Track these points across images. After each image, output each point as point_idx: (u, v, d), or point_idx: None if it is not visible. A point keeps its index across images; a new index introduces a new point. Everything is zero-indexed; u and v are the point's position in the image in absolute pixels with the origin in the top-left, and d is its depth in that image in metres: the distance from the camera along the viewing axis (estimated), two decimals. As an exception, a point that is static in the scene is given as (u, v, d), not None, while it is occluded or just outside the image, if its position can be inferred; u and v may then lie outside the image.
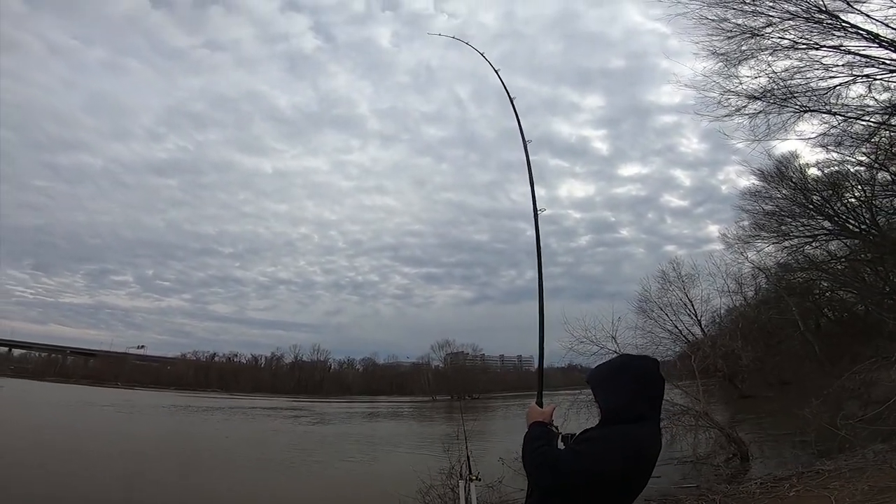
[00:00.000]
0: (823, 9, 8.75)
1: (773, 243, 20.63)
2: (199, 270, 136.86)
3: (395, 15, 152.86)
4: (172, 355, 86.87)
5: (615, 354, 12.23)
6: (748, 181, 21.50)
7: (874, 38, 8.48)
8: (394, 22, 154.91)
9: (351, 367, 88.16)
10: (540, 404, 2.28)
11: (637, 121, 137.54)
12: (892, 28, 8.28)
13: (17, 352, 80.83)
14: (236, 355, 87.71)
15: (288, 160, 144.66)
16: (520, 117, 4.34)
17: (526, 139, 4.11)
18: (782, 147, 16.42)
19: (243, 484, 11.02)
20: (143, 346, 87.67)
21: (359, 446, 19.38)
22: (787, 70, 9.98)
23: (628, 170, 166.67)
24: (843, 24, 8.63)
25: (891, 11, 8.33)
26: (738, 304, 22.26)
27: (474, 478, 6.17)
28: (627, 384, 1.81)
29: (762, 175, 20.01)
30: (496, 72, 5.03)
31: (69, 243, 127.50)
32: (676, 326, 19.99)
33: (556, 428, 2.01)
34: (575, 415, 10.90)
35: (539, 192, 3.94)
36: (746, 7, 9.65)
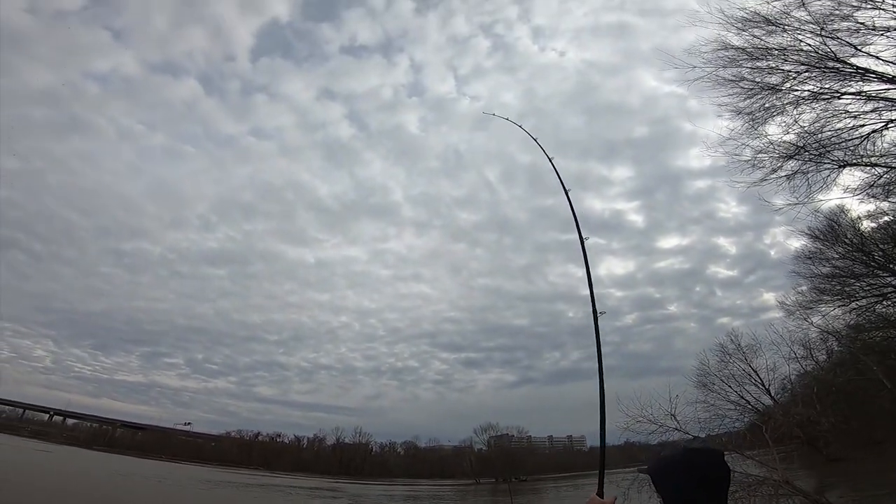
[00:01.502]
0: (832, 56, 8.79)
1: (840, 306, 19.43)
2: (246, 355, 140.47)
3: (420, 101, 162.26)
4: (217, 433, 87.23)
5: (675, 432, 11.88)
6: (799, 242, 20.80)
7: (893, 80, 8.52)
8: (420, 107, 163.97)
9: (392, 450, 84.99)
10: (601, 494, 2.22)
11: (670, 189, 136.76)
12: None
13: (70, 421, 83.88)
14: (279, 435, 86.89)
15: (329, 249, 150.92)
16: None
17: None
18: (830, 198, 16.03)
19: None
20: (189, 423, 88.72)
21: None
22: (816, 121, 9.69)
23: (667, 242, 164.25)
24: (858, 69, 8.68)
25: (897, 50, 8.19)
26: (810, 370, 20.69)
27: None
28: (691, 480, 1.76)
29: (813, 235, 19.30)
30: (550, 160, 5.14)
31: (128, 327, 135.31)
32: (742, 397, 18.88)
33: None
34: (637, 493, 10.54)
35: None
36: (760, 64, 9.72)
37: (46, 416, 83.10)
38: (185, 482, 32.49)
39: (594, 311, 3.59)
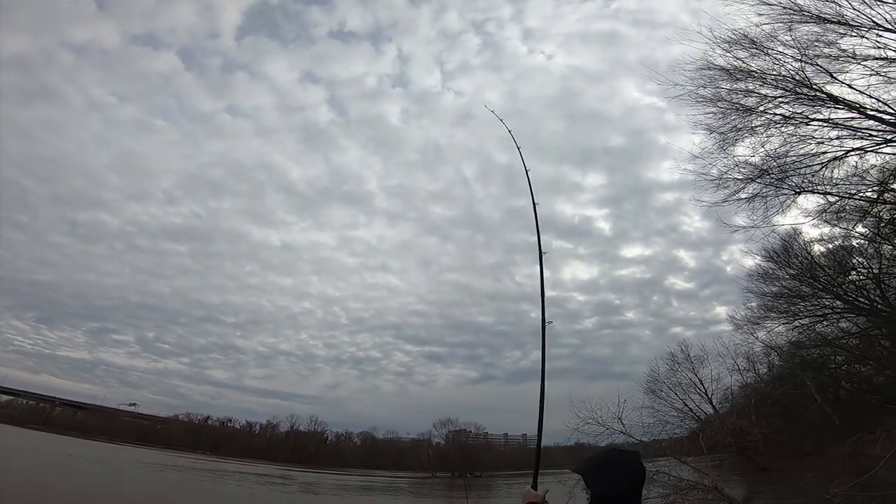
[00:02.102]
0: (807, 83, 9.23)
1: (784, 323, 20.63)
2: (200, 336, 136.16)
3: (405, 92, 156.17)
4: (165, 415, 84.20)
5: (621, 434, 12.43)
6: (753, 261, 21.98)
7: (859, 109, 8.96)
8: (404, 99, 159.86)
9: (349, 440, 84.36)
10: (535, 487, 2.46)
11: (638, 199, 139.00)
12: (875, 98, 8.77)
13: (4, 398, 78.98)
14: (230, 420, 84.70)
15: (296, 233, 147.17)
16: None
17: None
18: (786, 220, 16.86)
19: None
20: (134, 404, 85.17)
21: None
22: (782, 145, 10.12)
23: (631, 251, 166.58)
24: (828, 96, 9.09)
25: (872, 80, 8.78)
26: (750, 381, 21.95)
27: None
28: (614, 475, 2.11)
29: (767, 255, 20.25)
30: (527, 171, 5.26)
31: (76, 301, 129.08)
32: (686, 405, 19.92)
33: None
34: (581, 491, 10.71)
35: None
36: (739, 85, 10.08)
37: (-25, 392, 77.82)
38: (129, 465, 31.23)
39: (543, 322, 3.95)
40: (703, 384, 20.39)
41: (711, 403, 20.37)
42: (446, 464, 61.58)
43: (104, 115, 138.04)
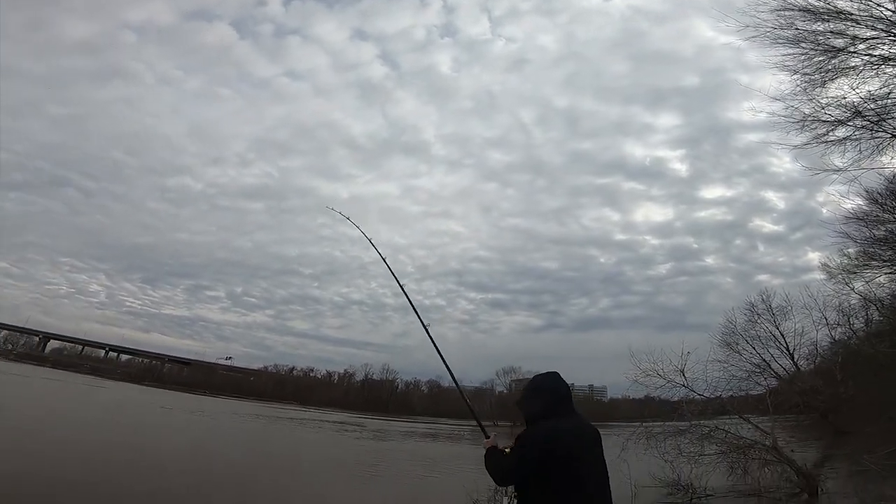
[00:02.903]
0: None
1: (887, 273, 17.93)
2: (282, 289, 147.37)
3: (453, 41, 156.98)
4: (256, 367, 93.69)
5: (682, 388, 11.70)
6: (854, 203, 19.05)
7: None
8: (453, 48, 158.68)
9: (416, 388, 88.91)
10: (487, 436, 2.78)
11: (718, 140, 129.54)
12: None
13: (124, 357, 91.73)
14: (312, 370, 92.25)
15: (361, 185, 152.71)
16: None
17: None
18: (892, 166, 14.50)
19: (302, 489, 11.51)
20: (230, 358, 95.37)
21: (414, 462, 19.43)
22: (882, 87, 8.87)
23: (711, 192, 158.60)
24: None
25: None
26: (842, 337, 19.56)
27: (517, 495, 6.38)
28: (539, 395, 2.54)
29: (871, 197, 17.47)
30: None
31: (172, 260, 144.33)
32: (764, 360, 18.26)
33: (504, 449, 2.58)
34: (633, 444, 10.45)
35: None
36: (826, 26, 8.81)
37: (103, 353, 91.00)
38: (222, 415, 35.18)
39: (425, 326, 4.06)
40: (784, 338, 18.61)
41: (792, 359, 18.52)
42: (508, 413, 63.24)
43: (174, 88, 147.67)
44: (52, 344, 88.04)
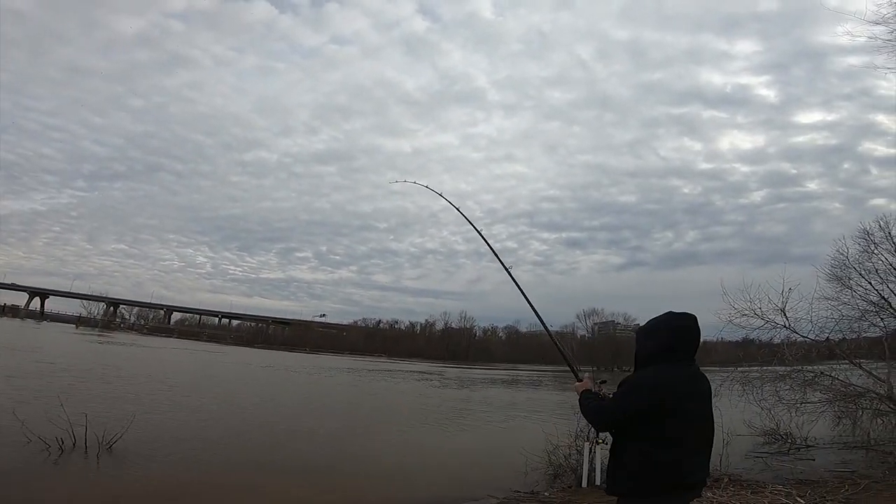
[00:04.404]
0: None
1: None
2: (362, 244, 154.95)
3: None
4: (347, 322, 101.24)
5: (784, 329, 10.30)
6: None
7: None
8: None
9: (494, 335, 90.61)
10: (578, 379, 2.54)
11: (810, 65, 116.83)
12: None
13: (234, 322, 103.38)
14: (397, 322, 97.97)
15: (422, 138, 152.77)
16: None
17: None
18: None
19: (394, 434, 12.19)
20: (324, 315, 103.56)
21: (494, 409, 19.78)
22: None
23: (808, 117, 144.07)
24: None
25: None
26: None
27: (600, 441, 6.40)
28: (654, 335, 2.23)
29: None
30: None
31: (262, 227, 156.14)
32: (882, 296, 15.61)
33: (601, 390, 2.43)
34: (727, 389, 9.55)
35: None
36: None
37: (216, 320, 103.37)
38: (317, 370, 38.60)
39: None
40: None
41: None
42: (592, 357, 62.34)
43: (232, 68, 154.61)
44: (175, 316, 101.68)
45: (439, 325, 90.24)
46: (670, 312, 2.25)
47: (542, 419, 14.98)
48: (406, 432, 12.73)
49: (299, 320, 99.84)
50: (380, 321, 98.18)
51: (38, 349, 26.14)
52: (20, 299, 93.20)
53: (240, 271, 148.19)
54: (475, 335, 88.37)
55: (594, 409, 2.30)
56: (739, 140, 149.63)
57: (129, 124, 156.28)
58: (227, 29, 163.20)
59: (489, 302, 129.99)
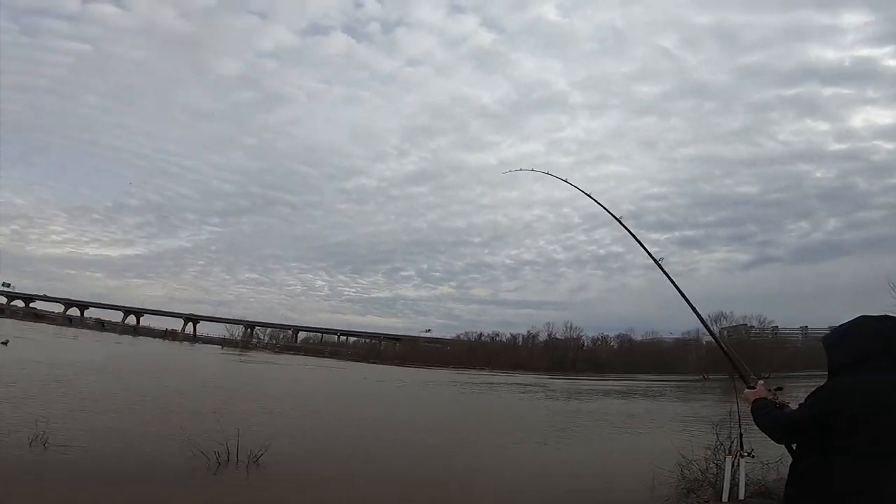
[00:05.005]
0: None
1: None
2: (458, 260, 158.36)
3: None
4: (450, 336, 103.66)
5: None
6: None
7: None
8: None
9: (605, 344, 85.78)
10: (750, 386, 2.40)
11: None
12: None
13: (351, 339, 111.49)
14: (497, 334, 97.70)
15: (506, 150, 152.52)
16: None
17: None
18: None
19: (506, 448, 12.26)
20: (429, 330, 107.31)
21: (608, 421, 18.77)
22: None
23: None
24: None
25: None
26: None
27: (745, 454, 5.82)
28: (844, 340, 2.00)
29: None
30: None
31: (368, 251, 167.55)
32: None
33: (776, 398, 2.22)
34: None
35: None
36: None
37: (335, 337, 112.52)
38: (425, 383, 39.98)
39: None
40: None
41: None
42: (721, 364, 55.76)
43: (322, 100, 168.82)
44: (301, 335, 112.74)
45: (542, 336, 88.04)
46: (863, 316, 2.04)
47: (669, 431, 14.18)
48: (517, 445, 12.61)
49: (408, 336, 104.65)
50: (481, 334, 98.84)
51: (197, 370, 30.83)
52: (177, 324, 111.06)
53: (353, 292, 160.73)
54: (582, 345, 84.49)
55: (767, 420, 2.15)
56: (875, 116, 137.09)
57: (246, 161, 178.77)
58: (312, 63, 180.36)
59: (594, 310, 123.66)
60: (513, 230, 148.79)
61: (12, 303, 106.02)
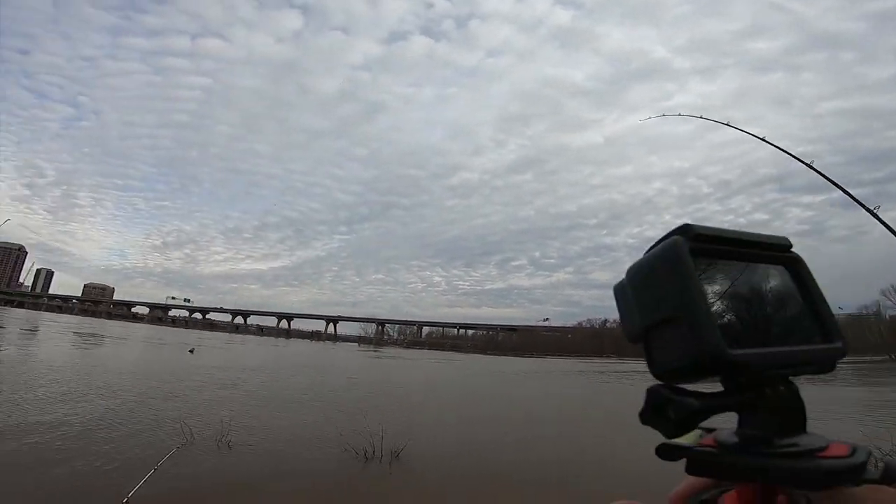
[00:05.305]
0: None
1: None
2: (573, 244, 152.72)
3: None
4: (570, 324, 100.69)
5: None
6: None
7: None
8: None
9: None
10: None
11: None
12: None
13: (469, 332, 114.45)
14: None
15: (611, 125, 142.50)
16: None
17: None
18: None
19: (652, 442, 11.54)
20: (547, 319, 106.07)
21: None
22: None
23: None
24: None
25: None
26: None
27: None
28: None
29: None
30: None
31: (478, 243, 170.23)
32: None
33: None
34: None
35: None
36: None
37: (455, 331, 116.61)
38: (548, 373, 39.24)
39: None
40: None
41: None
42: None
43: (415, 103, 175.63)
44: (425, 329, 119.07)
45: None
46: None
47: (853, 423, 12.61)
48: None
49: (524, 326, 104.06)
50: (606, 320, 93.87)
51: (342, 367, 34.35)
52: (320, 325, 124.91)
53: (467, 285, 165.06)
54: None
55: None
56: None
57: (361, 171, 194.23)
58: (399, 68, 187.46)
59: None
60: (632, 207, 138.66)
61: (192, 315, 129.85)
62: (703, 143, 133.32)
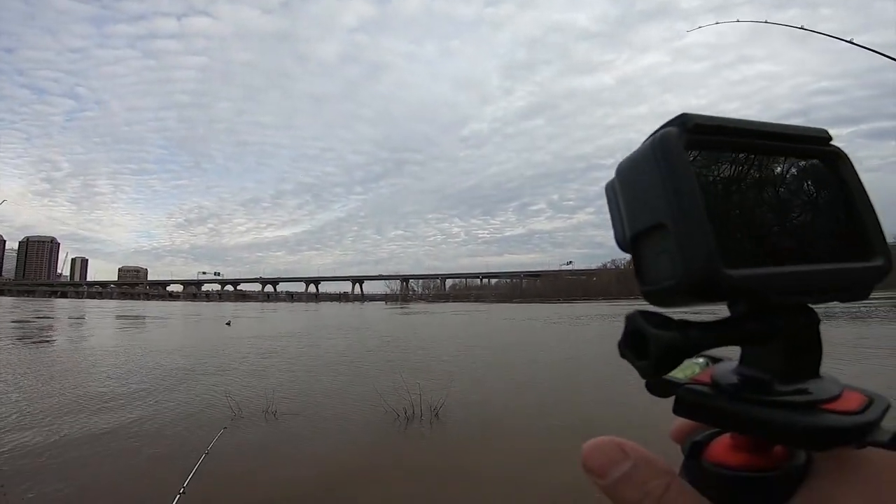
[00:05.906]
0: None
1: None
2: (592, 185, 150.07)
3: None
4: (595, 267, 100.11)
5: None
6: None
7: None
8: None
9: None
10: None
11: None
12: None
13: (493, 281, 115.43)
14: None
15: (623, 65, 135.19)
16: None
17: None
18: None
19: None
20: (570, 262, 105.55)
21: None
22: None
23: None
24: None
25: None
26: None
27: None
28: None
29: None
30: None
31: (495, 190, 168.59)
32: None
33: None
34: None
35: None
36: None
37: (479, 280, 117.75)
38: (574, 319, 39.50)
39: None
40: None
41: None
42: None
43: (420, 60, 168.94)
44: (448, 282, 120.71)
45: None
46: None
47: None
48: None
49: (548, 271, 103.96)
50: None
51: (372, 327, 35.30)
52: (346, 286, 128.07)
53: (487, 233, 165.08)
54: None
55: None
56: None
57: (371, 131, 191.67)
58: (398, 26, 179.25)
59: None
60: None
61: (224, 288, 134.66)
62: (720, 80, 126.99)
